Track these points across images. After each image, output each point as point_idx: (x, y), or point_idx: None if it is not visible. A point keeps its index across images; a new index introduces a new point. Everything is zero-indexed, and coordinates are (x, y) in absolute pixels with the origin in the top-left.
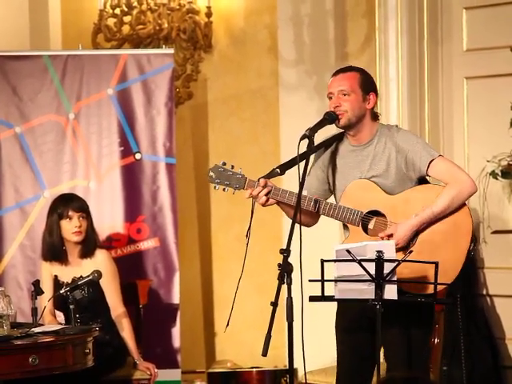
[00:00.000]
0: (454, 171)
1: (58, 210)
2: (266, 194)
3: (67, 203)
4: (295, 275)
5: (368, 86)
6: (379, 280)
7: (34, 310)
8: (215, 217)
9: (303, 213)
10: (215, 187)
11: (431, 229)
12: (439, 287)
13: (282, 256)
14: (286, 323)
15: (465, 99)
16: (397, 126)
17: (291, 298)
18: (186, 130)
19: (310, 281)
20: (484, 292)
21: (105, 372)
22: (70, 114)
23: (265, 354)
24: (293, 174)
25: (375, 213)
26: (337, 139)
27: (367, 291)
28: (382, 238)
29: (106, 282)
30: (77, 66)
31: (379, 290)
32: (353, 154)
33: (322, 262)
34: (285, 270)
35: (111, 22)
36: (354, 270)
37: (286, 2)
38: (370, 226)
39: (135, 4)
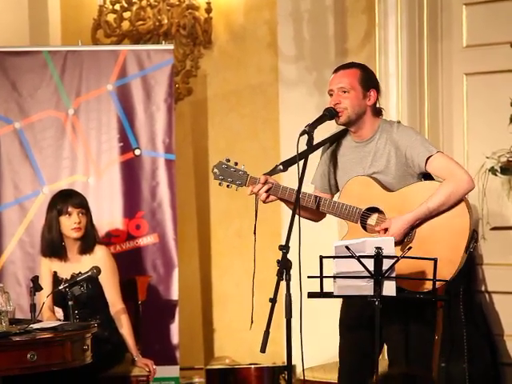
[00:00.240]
0: (452, 168)
1: (57, 206)
2: (267, 191)
3: (67, 199)
4: (294, 272)
5: (368, 82)
6: (378, 276)
7: (33, 306)
8: (214, 213)
9: (305, 209)
10: (220, 184)
11: (429, 225)
12: (438, 284)
13: (281, 252)
14: (285, 320)
15: (464, 95)
16: (399, 122)
17: (290, 294)
18: (186, 125)
19: (309, 277)
20: (483, 288)
21: (103, 368)
22: (69, 109)
23: (263, 350)
24: (293, 172)
25: (374, 209)
26: (342, 135)
27: (366, 287)
28: (379, 232)
29: (105, 278)
30: (76, 62)
31: (378, 286)
32: (356, 150)
33: (321, 258)
34: (284, 267)
35: (111, 17)
36: (353, 266)
37: None
38: (369, 222)
39: (135, 0)
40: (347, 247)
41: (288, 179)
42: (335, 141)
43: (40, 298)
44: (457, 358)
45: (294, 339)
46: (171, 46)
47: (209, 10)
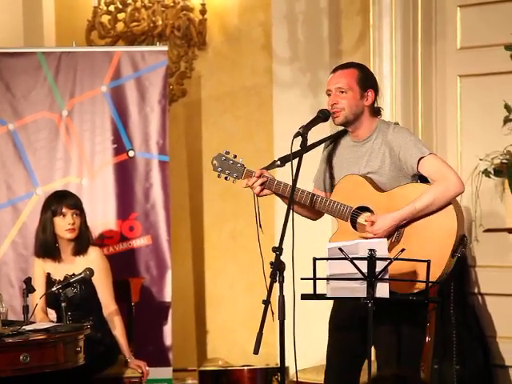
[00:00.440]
0: (443, 170)
1: (51, 207)
2: (261, 185)
3: (61, 200)
4: (287, 273)
5: (366, 82)
6: (371, 278)
7: (26, 308)
8: (208, 215)
9: (302, 207)
10: (218, 175)
11: (416, 226)
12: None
13: (274, 254)
14: (278, 321)
15: (458, 97)
16: (397, 123)
17: (283, 296)
18: (180, 127)
19: (302, 279)
20: (476, 290)
21: (96, 370)
22: (63, 111)
23: (256, 352)
24: (288, 171)
25: (365, 209)
26: (342, 134)
27: (359, 289)
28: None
29: (98, 279)
30: (70, 63)
31: (371, 288)
32: (353, 150)
33: (315, 260)
34: (277, 268)
35: (105, 19)
36: (346, 268)
37: None
38: (359, 221)
39: (129, 1)
40: (340, 249)
41: (282, 178)
42: (335, 140)
43: (33, 300)
44: (449, 360)
45: (287, 341)
46: (165, 48)
47: (203, 12)
